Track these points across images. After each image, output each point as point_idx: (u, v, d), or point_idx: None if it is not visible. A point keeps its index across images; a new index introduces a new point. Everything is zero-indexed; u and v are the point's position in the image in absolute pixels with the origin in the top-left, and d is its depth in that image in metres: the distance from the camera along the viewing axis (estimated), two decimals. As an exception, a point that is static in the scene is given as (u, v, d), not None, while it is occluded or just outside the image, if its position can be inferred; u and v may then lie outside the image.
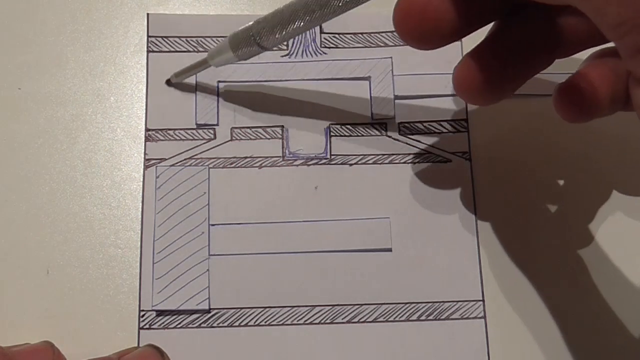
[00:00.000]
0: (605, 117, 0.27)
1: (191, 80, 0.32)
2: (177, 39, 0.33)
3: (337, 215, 0.31)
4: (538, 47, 0.26)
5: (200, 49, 0.33)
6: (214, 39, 0.33)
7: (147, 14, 0.34)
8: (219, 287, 0.30)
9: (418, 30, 0.25)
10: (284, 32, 0.28)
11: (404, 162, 0.32)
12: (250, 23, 0.29)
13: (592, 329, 0.30)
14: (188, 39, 0.33)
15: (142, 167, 0.31)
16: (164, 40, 0.33)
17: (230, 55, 0.30)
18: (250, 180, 0.31)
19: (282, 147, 0.32)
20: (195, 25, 0.33)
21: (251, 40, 0.29)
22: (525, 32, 0.26)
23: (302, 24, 0.28)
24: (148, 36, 0.33)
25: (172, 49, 0.33)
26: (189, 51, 0.33)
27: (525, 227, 0.31)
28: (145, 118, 0.32)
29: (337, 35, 0.33)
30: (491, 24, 0.26)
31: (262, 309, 0.30)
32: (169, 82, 0.33)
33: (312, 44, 0.33)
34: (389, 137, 0.32)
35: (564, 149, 0.32)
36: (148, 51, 0.33)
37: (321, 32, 0.33)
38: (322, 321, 0.30)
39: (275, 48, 0.31)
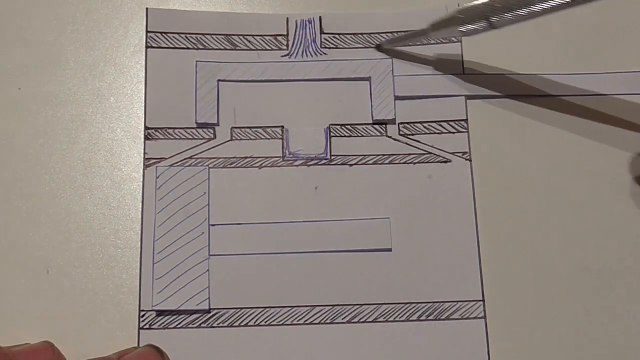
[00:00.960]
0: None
1: (191, 79, 0.32)
2: (176, 35, 0.33)
3: (337, 215, 0.31)
4: None
5: (200, 46, 0.33)
6: (213, 36, 0.33)
7: (147, 9, 0.33)
8: (219, 287, 0.30)
9: None
10: (518, 13, 0.28)
11: (404, 162, 0.32)
12: (484, 0, 0.29)
13: (592, 329, 0.30)
14: (187, 35, 0.33)
15: (142, 167, 0.31)
16: (163, 36, 0.33)
17: (455, 29, 0.30)
18: (250, 180, 0.31)
19: (282, 147, 0.32)
20: (194, 22, 0.33)
21: (482, 16, 0.29)
22: None
23: (542, 7, 0.27)
24: (147, 31, 0.33)
25: (171, 45, 0.33)
26: (188, 48, 0.33)
27: (525, 227, 0.31)
28: (144, 116, 0.32)
29: (337, 36, 0.33)
30: None
31: (262, 309, 0.30)
32: (379, 47, 0.33)
33: (312, 44, 0.33)
34: (389, 137, 0.32)
35: (564, 149, 0.32)
36: (147, 47, 0.33)
37: (321, 32, 0.33)
38: (322, 321, 0.30)
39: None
